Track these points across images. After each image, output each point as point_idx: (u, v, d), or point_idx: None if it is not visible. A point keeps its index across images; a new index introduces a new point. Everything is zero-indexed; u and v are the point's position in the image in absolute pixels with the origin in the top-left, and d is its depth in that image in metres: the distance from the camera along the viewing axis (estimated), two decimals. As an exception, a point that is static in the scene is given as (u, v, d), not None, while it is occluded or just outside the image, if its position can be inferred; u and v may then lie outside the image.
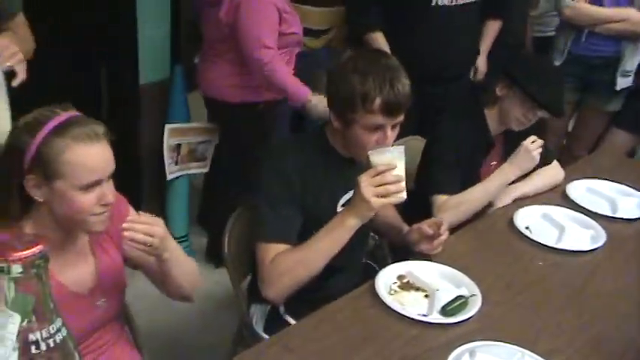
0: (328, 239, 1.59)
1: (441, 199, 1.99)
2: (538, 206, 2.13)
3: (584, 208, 2.15)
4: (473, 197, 2.02)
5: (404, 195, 1.54)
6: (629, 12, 2.91)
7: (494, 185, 2.06)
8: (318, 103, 2.45)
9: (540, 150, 2.05)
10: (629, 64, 3.01)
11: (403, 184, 1.51)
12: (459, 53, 2.76)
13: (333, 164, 1.68)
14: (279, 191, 1.63)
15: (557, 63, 3.05)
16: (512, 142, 2.16)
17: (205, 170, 3.05)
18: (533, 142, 2.04)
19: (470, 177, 2.10)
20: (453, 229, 1.91)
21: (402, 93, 1.55)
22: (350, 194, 1.70)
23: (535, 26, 3.44)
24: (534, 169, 2.14)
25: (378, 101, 1.53)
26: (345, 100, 1.54)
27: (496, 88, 2.07)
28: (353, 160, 1.69)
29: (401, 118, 1.60)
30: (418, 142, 2.34)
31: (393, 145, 1.59)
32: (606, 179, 2.35)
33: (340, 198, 1.71)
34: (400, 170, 1.52)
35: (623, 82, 3.05)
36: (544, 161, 2.17)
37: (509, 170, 2.06)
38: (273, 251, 1.61)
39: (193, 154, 2.99)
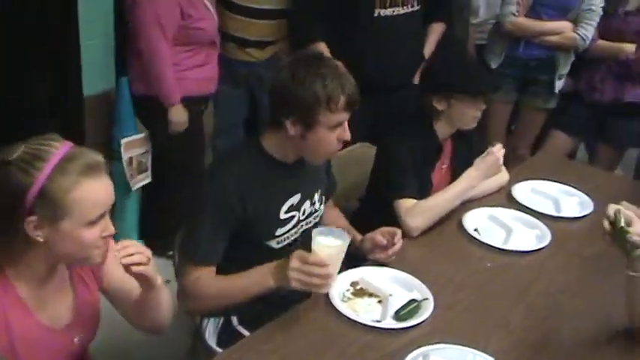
0: (246, 286, 1.60)
1: (406, 203, 1.99)
2: (485, 208, 2.15)
3: (529, 209, 2.18)
4: (440, 202, 2.03)
5: (326, 290, 1.53)
6: (564, 25, 3.03)
7: (461, 190, 2.07)
8: (180, 114, 2.63)
9: (503, 154, 2.09)
10: (563, 68, 3.14)
11: (331, 281, 1.50)
12: (404, 61, 2.79)
13: (272, 172, 1.67)
14: (214, 214, 1.61)
15: (493, 65, 3.14)
16: (459, 143, 2.20)
17: (148, 180, 2.98)
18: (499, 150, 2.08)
19: (423, 182, 2.11)
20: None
21: (356, 87, 1.60)
22: (294, 198, 1.71)
23: (477, 34, 3.50)
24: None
25: (342, 100, 1.55)
26: (309, 105, 1.55)
27: (433, 103, 2.08)
28: (292, 165, 1.69)
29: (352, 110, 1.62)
30: (368, 150, 2.35)
31: (336, 230, 1.56)
32: (550, 180, 2.39)
33: (283, 204, 1.70)
34: (334, 267, 1.50)
35: (559, 84, 3.17)
36: None
37: (475, 176, 2.08)
38: (197, 272, 1.63)
39: (140, 165, 2.93)
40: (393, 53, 2.72)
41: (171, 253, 1.91)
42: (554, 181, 2.39)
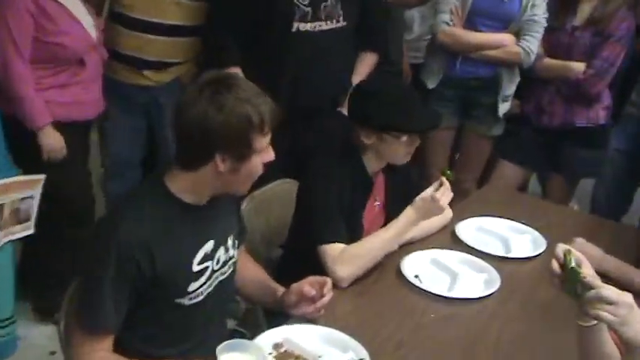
0: None
1: (333, 249, 2.01)
2: (427, 251, 2.20)
3: (475, 250, 2.25)
4: (373, 247, 2.06)
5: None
6: (504, 38, 3.07)
7: (396, 233, 2.11)
8: (51, 137, 2.63)
9: (449, 196, 2.11)
10: (508, 88, 3.22)
11: None
12: (327, 83, 2.82)
13: (181, 218, 1.67)
14: (114, 273, 1.59)
15: (431, 86, 3.20)
16: (393, 176, 2.26)
17: (30, 232, 2.89)
18: (438, 187, 2.10)
19: (352, 222, 2.14)
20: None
21: (271, 103, 1.66)
22: (208, 246, 1.72)
23: (411, 52, 3.61)
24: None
25: (268, 118, 1.62)
26: (242, 133, 1.59)
27: (360, 136, 2.11)
28: (204, 207, 1.70)
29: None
30: (289, 186, 2.39)
31: (244, 343, 1.58)
32: (498, 216, 2.47)
33: (196, 254, 1.70)
34: None
35: (504, 107, 3.25)
36: None
37: (413, 218, 2.11)
38: (91, 344, 1.61)
39: (17, 214, 2.84)
40: (313, 74, 2.76)
41: (56, 318, 1.86)
42: (503, 218, 2.47)
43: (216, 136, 1.58)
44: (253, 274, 2.00)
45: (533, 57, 3.08)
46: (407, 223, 2.12)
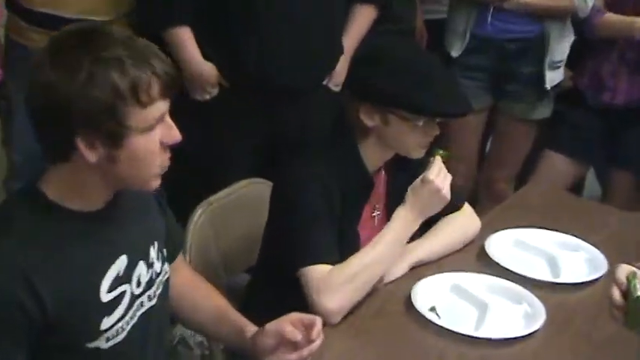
0: None
1: (317, 272, 2.04)
2: (446, 275, 2.22)
3: (512, 273, 2.26)
4: (366, 264, 2.08)
5: None
6: None
7: (392, 240, 2.14)
8: None
9: (449, 181, 2.18)
10: (558, 51, 3.25)
11: None
12: (308, 55, 2.87)
13: (71, 232, 1.63)
14: None
15: (454, 53, 3.25)
16: (398, 177, 2.28)
17: None
18: (437, 173, 2.15)
19: (345, 237, 2.18)
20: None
21: (169, 63, 1.62)
22: (119, 264, 1.67)
23: (427, 4, 3.64)
24: (434, 218, 2.27)
25: (155, 82, 1.56)
26: (107, 107, 1.52)
27: (359, 114, 2.14)
28: (101, 213, 1.67)
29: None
30: (261, 188, 2.42)
31: None
32: (542, 227, 2.49)
33: (102, 278, 1.66)
34: None
35: (553, 77, 3.28)
36: (449, 206, 2.28)
37: (408, 215, 2.16)
38: None
39: None
40: (290, 43, 2.82)
41: None
42: (550, 229, 2.49)
43: (69, 115, 1.52)
44: (207, 297, 2.01)
45: (590, 5, 3.12)
46: (404, 226, 2.16)
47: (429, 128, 2.15)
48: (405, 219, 2.16)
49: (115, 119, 1.54)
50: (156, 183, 1.69)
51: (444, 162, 2.17)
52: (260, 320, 1.89)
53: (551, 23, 3.21)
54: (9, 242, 1.57)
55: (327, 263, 2.06)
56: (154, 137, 1.60)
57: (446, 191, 2.16)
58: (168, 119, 1.64)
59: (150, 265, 1.79)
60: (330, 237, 2.11)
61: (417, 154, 2.21)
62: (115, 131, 1.55)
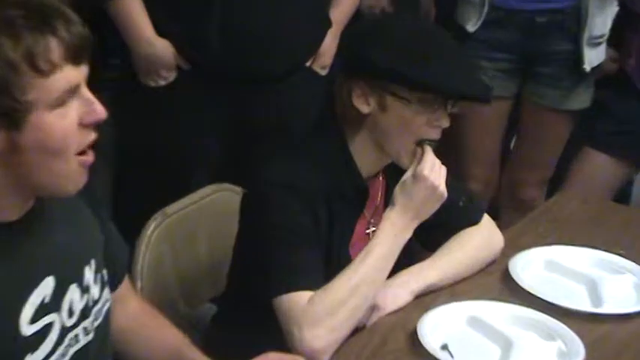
0: None
1: (295, 301, 2.03)
2: (460, 304, 2.19)
3: (542, 301, 2.22)
4: (352, 286, 2.06)
5: None
6: None
7: (381, 253, 2.10)
8: None
9: (444, 175, 2.15)
10: (598, 25, 3.24)
11: None
12: (289, 29, 2.88)
13: None
14: None
15: (470, 28, 3.24)
16: (396, 179, 2.22)
17: None
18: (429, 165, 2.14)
19: (333, 259, 2.17)
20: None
21: (79, 25, 1.59)
22: (43, 289, 1.64)
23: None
24: (444, 233, 2.26)
25: (56, 45, 1.53)
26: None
27: (353, 100, 2.13)
28: (18, 224, 1.64)
29: (86, 66, 1.61)
30: (230, 197, 2.42)
31: None
32: (579, 244, 2.47)
33: (22, 307, 1.62)
34: None
35: (593, 56, 3.27)
36: (464, 218, 2.30)
37: (400, 222, 2.12)
38: None
39: None
40: (264, 16, 2.83)
41: None
42: (589, 247, 2.47)
43: None
44: (159, 334, 2.00)
45: None
46: (395, 234, 2.12)
47: (435, 116, 2.13)
48: (395, 226, 2.13)
49: (9, 94, 1.51)
50: (78, 181, 1.65)
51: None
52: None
53: None
54: None
55: (307, 290, 2.05)
56: (67, 114, 1.57)
57: (443, 188, 2.14)
58: (85, 92, 1.61)
59: (85, 290, 1.76)
60: (311, 258, 2.11)
61: (409, 157, 2.16)
62: (11, 109, 1.52)
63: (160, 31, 2.87)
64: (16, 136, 1.54)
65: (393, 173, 2.24)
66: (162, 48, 2.87)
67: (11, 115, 1.52)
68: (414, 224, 2.15)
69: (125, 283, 2.01)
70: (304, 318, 2.00)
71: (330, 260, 2.15)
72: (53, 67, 1.53)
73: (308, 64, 3.01)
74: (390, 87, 2.10)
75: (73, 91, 1.57)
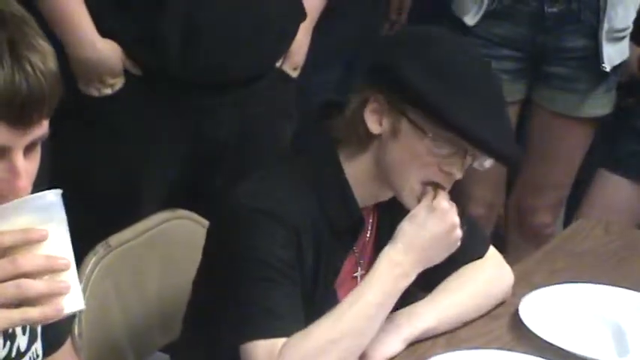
0: None
1: (265, 350, 2.04)
2: (462, 353, 2.21)
3: (558, 349, 2.24)
4: (334, 337, 2.06)
5: (74, 303, 1.58)
6: None
7: (375, 303, 2.10)
8: None
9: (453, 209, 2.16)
10: (620, 16, 3.27)
11: (71, 280, 1.57)
12: (257, 24, 2.90)
13: None
14: None
15: (470, 21, 3.28)
16: (394, 219, 2.26)
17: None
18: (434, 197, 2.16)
19: (317, 296, 2.20)
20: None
21: (43, 70, 1.55)
22: None
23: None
24: (442, 270, 2.26)
25: None
26: None
27: (365, 115, 2.16)
28: None
29: (43, 128, 1.60)
30: (188, 224, 2.45)
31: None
32: (603, 282, 2.50)
33: None
34: (58, 245, 1.58)
35: (613, 53, 3.30)
36: (466, 251, 2.29)
37: (400, 265, 2.11)
38: None
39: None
40: (229, 11, 2.86)
41: None
42: (613, 285, 2.50)
43: None
44: None
45: None
46: (394, 279, 2.11)
47: (448, 161, 2.14)
48: (397, 267, 2.12)
49: None
50: None
51: None
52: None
53: None
54: None
55: (283, 336, 2.05)
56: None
57: (460, 232, 2.15)
58: (16, 159, 1.58)
59: (9, 338, 1.76)
60: (290, 300, 2.10)
61: (412, 196, 2.19)
62: None
63: (104, 30, 2.83)
64: None
65: (386, 208, 2.28)
66: (107, 51, 2.84)
67: None
68: (419, 268, 2.14)
69: (65, 350, 1.98)
70: (288, 355, 2.01)
71: (313, 301, 2.17)
72: None
73: (278, 64, 3.03)
74: (411, 112, 2.12)
75: None
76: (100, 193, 2.89)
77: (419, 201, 2.15)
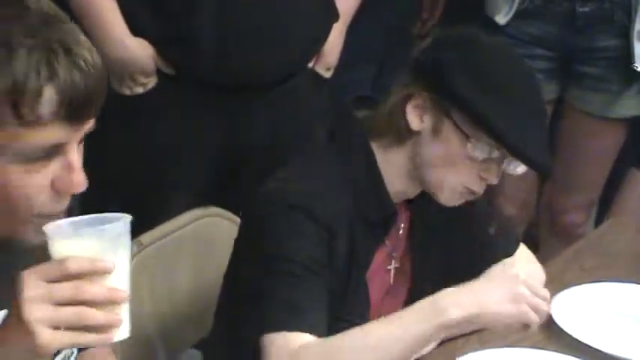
0: None
1: (285, 342, 2.03)
2: (493, 351, 2.23)
3: (592, 349, 2.25)
4: (360, 345, 2.05)
5: (122, 333, 1.58)
6: None
7: (422, 333, 2.04)
8: None
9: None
10: None
11: (123, 310, 1.57)
12: (290, 23, 2.91)
13: None
14: None
15: (501, 20, 3.28)
16: (427, 215, 2.31)
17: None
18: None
19: (350, 287, 2.20)
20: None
21: (95, 65, 1.58)
22: None
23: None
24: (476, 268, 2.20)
25: (49, 94, 1.52)
26: None
27: (407, 110, 2.16)
28: None
29: (91, 124, 1.62)
30: (220, 222, 2.47)
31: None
32: (631, 282, 2.51)
33: None
34: (120, 276, 1.58)
35: None
36: (496, 249, 2.33)
37: (448, 300, 2.04)
38: None
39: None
40: (262, 11, 2.85)
41: None
42: None
43: None
44: None
45: None
46: (431, 316, 2.03)
47: (484, 166, 2.16)
48: (437, 310, 2.02)
49: None
50: (25, 235, 1.67)
51: None
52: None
53: None
54: None
55: (306, 332, 2.04)
56: (39, 175, 1.58)
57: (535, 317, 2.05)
58: (71, 155, 1.60)
59: None
60: (317, 297, 2.10)
61: (450, 195, 2.21)
62: None
63: (137, 29, 2.84)
64: None
65: (419, 204, 2.30)
66: (140, 50, 2.85)
67: None
68: (472, 327, 2.10)
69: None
70: (309, 354, 2.02)
71: (346, 292, 2.17)
72: (37, 121, 1.53)
73: (310, 64, 3.02)
74: (456, 114, 2.13)
75: (54, 151, 1.57)
76: (131, 192, 2.88)
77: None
